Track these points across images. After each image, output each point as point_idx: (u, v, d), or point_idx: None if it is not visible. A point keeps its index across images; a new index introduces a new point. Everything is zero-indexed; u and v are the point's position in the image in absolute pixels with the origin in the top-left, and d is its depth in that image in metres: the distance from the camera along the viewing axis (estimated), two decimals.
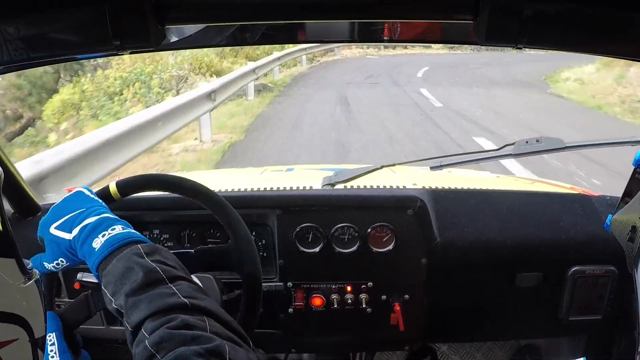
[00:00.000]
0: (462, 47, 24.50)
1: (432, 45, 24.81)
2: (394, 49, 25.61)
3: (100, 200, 1.00)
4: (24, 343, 0.70)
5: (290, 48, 15.77)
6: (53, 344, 0.99)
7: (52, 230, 0.95)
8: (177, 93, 9.85)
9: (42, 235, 0.98)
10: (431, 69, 17.49)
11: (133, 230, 0.92)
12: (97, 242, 0.88)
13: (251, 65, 11.79)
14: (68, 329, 1.03)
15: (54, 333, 1.00)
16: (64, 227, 0.94)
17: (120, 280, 0.82)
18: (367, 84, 14.60)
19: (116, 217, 0.95)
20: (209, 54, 13.81)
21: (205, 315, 0.76)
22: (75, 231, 0.92)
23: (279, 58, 14.83)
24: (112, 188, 1.13)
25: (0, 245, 0.69)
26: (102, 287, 0.85)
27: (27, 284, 0.74)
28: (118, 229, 0.90)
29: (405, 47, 25.41)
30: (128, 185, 1.15)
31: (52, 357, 0.98)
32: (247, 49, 15.67)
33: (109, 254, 0.86)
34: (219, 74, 12.66)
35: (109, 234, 0.89)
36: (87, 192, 1.01)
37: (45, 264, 0.98)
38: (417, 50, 25.84)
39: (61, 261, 0.97)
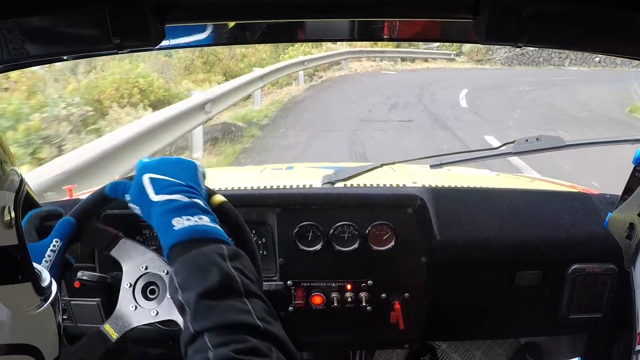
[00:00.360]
0: (490, 61, 23.29)
1: (456, 57, 23.41)
2: (413, 62, 21.87)
3: (205, 187, 0.97)
4: None
5: (284, 62, 12.81)
6: (53, 251, 0.98)
7: (146, 178, 0.92)
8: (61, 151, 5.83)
9: (136, 176, 0.94)
10: (472, 93, 12.96)
11: (219, 228, 0.88)
12: (180, 223, 0.84)
13: (215, 90, 7.47)
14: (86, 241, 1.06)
15: (60, 242, 0.99)
16: (156, 184, 0.91)
17: (195, 275, 0.78)
18: (395, 121, 9.41)
19: (208, 208, 0.90)
20: (150, 74, 9.42)
21: (274, 344, 0.72)
22: (162, 197, 0.89)
23: (263, 77, 10.10)
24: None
25: (16, 268, 0.67)
26: (171, 272, 0.82)
27: (41, 307, 0.72)
28: (205, 220, 0.86)
29: (426, 61, 22.44)
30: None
31: (46, 261, 0.96)
32: (228, 61, 13.88)
33: (189, 241, 0.83)
34: (161, 104, 8.34)
35: (196, 221, 0.85)
36: (200, 170, 0.97)
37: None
38: (438, 64, 22.32)
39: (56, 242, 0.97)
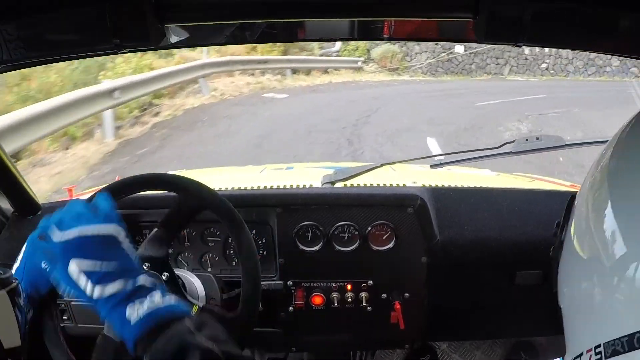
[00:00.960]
0: (410, 70, 19.43)
1: (363, 66, 17.99)
2: (308, 74, 15.12)
3: (133, 256, 0.85)
4: None
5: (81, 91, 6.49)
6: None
7: (74, 268, 0.79)
8: None
9: (60, 257, 0.80)
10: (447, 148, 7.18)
11: (172, 298, 0.82)
12: (134, 313, 0.77)
13: None
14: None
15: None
16: (89, 276, 0.79)
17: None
18: None
19: (148, 282, 0.82)
20: None
21: None
22: (102, 291, 0.79)
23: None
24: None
25: None
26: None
27: None
28: (157, 298, 0.80)
29: (326, 72, 15.93)
30: (119, 190, 1.13)
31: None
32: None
33: (151, 330, 0.77)
34: None
35: (149, 306, 0.78)
36: (120, 237, 0.84)
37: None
38: (343, 76, 15.94)
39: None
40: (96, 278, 0.79)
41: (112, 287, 0.79)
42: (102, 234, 0.82)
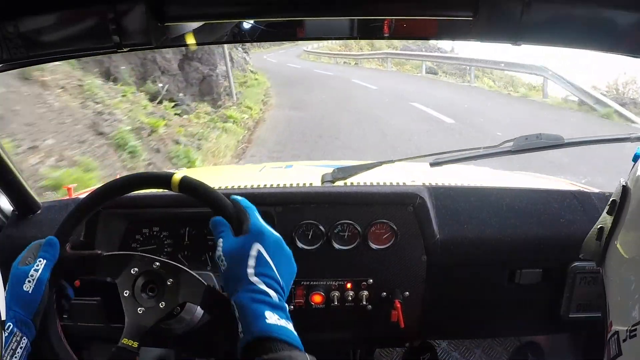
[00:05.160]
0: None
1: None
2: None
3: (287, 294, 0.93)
4: None
5: None
6: (36, 270, 0.94)
7: (255, 249, 0.89)
8: None
9: (247, 237, 0.91)
10: None
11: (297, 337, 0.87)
12: (272, 318, 0.83)
13: None
14: (63, 272, 1.01)
15: (44, 261, 0.96)
16: (260, 264, 0.88)
17: None
18: None
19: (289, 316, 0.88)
20: None
21: None
22: (258, 282, 0.86)
23: None
24: (175, 179, 1.05)
25: None
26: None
27: None
28: (291, 327, 0.85)
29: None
30: (190, 187, 1.08)
31: (28, 281, 0.93)
32: None
33: (281, 341, 0.81)
34: None
35: (285, 324, 0.84)
36: (294, 274, 0.95)
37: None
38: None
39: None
40: (262, 271, 0.88)
41: (267, 288, 0.86)
42: (293, 260, 0.95)
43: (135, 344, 1.00)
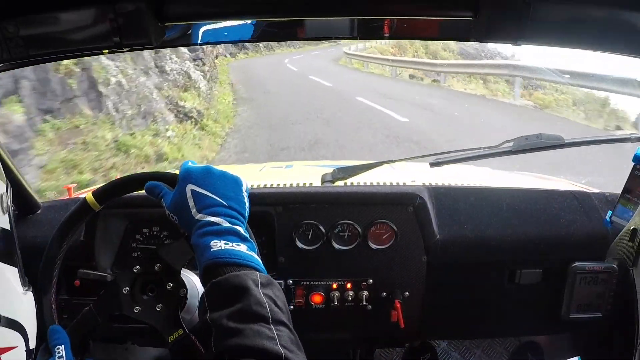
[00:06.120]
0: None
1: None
2: None
3: (247, 207, 0.94)
4: (21, 351, 0.70)
5: None
6: (61, 357, 0.97)
7: (188, 189, 0.91)
8: None
9: (179, 184, 0.93)
10: None
11: (256, 257, 0.88)
12: (217, 245, 0.84)
13: None
14: (76, 343, 1.03)
15: (62, 346, 0.98)
16: (199, 200, 0.90)
17: (226, 297, 0.79)
18: None
19: (247, 235, 0.90)
20: None
21: None
22: (203, 217, 0.88)
23: None
24: (90, 199, 1.09)
25: (7, 252, 0.69)
26: (204, 292, 0.82)
27: (26, 294, 0.75)
28: (243, 247, 0.86)
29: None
30: (104, 193, 1.11)
31: None
32: None
33: (224, 264, 0.83)
34: None
35: (233, 246, 0.85)
36: (244, 187, 0.96)
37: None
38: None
39: None
40: (203, 204, 0.89)
41: (213, 218, 0.87)
42: (229, 175, 0.95)
43: (180, 331, 1.04)
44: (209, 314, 0.78)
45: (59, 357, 0.97)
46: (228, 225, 0.87)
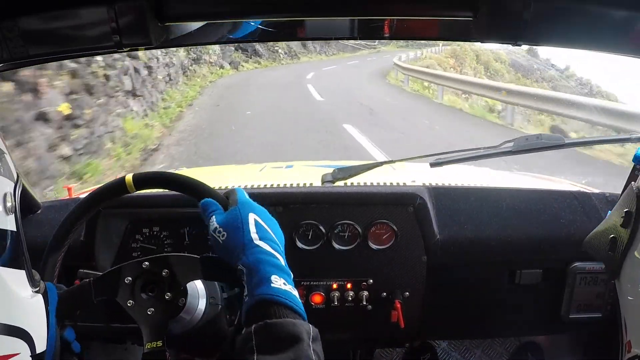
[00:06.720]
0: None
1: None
2: None
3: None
4: (25, 357, 0.69)
5: None
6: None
7: (252, 217, 0.91)
8: None
9: (240, 208, 0.92)
10: None
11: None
12: (277, 282, 0.82)
13: None
14: (63, 309, 0.98)
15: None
16: (259, 229, 0.89)
17: (280, 343, 0.75)
18: None
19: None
20: None
21: None
22: (264, 245, 0.87)
23: None
24: (128, 180, 1.07)
25: (12, 255, 0.68)
26: (253, 327, 0.77)
27: (34, 297, 0.74)
28: (296, 294, 0.84)
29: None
30: (145, 180, 1.09)
31: None
32: None
33: (285, 305, 0.80)
34: None
35: (290, 289, 0.83)
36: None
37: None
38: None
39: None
40: (263, 235, 0.89)
41: (273, 250, 0.87)
42: (277, 224, 0.96)
43: (160, 343, 0.99)
44: (256, 355, 0.75)
45: None
46: (284, 264, 0.87)
